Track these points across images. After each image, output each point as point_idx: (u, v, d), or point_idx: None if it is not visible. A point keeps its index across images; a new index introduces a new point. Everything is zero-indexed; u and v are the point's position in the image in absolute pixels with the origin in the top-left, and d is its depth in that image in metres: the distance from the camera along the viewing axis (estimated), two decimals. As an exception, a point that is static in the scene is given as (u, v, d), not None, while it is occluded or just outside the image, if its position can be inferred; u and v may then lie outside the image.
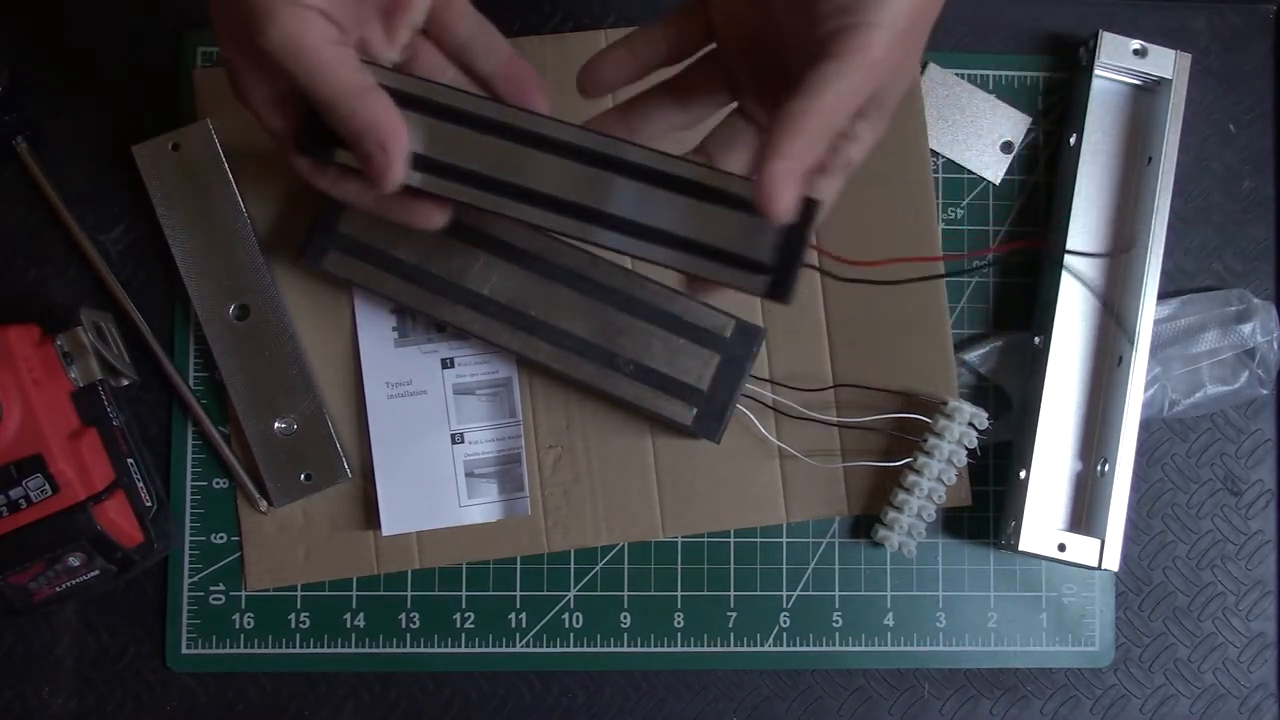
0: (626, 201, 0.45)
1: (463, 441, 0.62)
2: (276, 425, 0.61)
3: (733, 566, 0.63)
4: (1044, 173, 0.65)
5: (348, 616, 0.62)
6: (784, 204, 0.40)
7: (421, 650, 0.62)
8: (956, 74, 0.65)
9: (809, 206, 0.43)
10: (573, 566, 0.63)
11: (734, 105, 0.49)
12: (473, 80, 0.49)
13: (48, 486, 0.54)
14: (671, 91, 0.48)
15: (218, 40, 0.47)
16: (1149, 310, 0.61)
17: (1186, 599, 0.65)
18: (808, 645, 0.63)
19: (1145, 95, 0.64)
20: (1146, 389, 0.62)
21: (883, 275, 0.50)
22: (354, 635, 0.62)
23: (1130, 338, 0.60)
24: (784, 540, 0.63)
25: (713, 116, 0.50)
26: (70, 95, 0.63)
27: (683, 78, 0.48)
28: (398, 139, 0.44)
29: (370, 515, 0.62)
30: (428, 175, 0.46)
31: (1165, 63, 0.62)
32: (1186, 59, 0.62)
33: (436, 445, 0.62)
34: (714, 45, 0.47)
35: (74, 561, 0.55)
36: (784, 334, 0.63)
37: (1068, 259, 0.62)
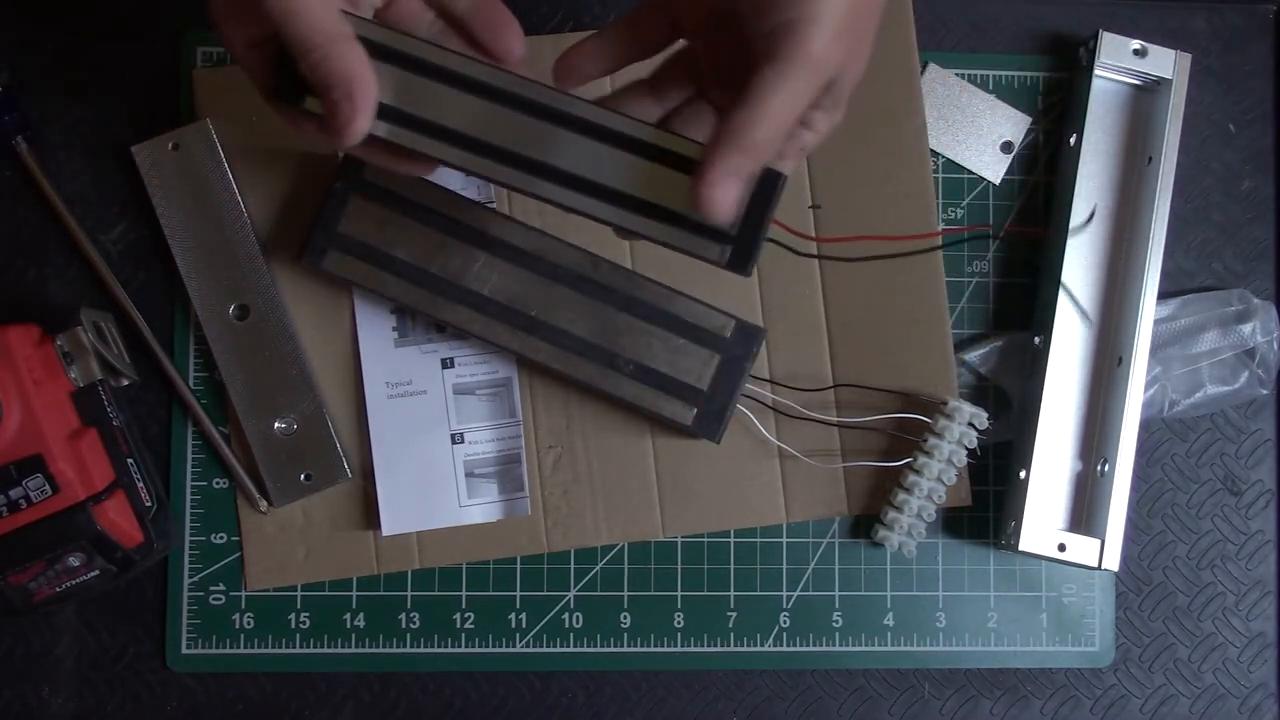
0: (590, 162, 0.45)
1: (463, 441, 0.62)
2: (276, 425, 0.61)
3: (733, 566, 0.63)
4: (1044, 173, 0.65)
5: (348, 616, 0.62)
6: (724, 209, 0.42)
7: (421, 650, 0.62)
8: (956, 74, 0.65)
9: (774, 179, 0.44)
10: (573, 566, 0.63)
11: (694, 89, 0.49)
12: (449, 24, 0.49)
13: (48, 486, 0.54)
14: (647, 85, 0.49)
15: None
16: (1149, 310, 0.61)
17: (1186, 599, 0.65)
18: (808, 645, 0.63)
19: (1145, 95, 0.64)
20: (1146, 389, 0.62)
21: (854, 251, 0.49)
22: (354, 635, 0.62)
23: (1129, 340, 0.61)
24: (784, 540, 0.63)
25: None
26: (70, 95, 0.63)
27: (656, 72, 0.49)
28: (366, 91, 0.43)
29: (370, 515, 0.62)
30: (396, 127, 0.46)
31: (1165, 63, 0.62)
32: (1186, 59, 0.62)
33: (436, 445, 0.62)
34: (683, 41, 0.48)
35: (74, 561, 0.55)
36: (784, 334, 0.63)
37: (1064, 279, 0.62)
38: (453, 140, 0.46)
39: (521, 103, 0.45)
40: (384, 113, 0.45)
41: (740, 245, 0.44)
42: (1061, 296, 0.61)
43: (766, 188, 0.44)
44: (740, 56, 0.44)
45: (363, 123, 0.44)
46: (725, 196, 0.42)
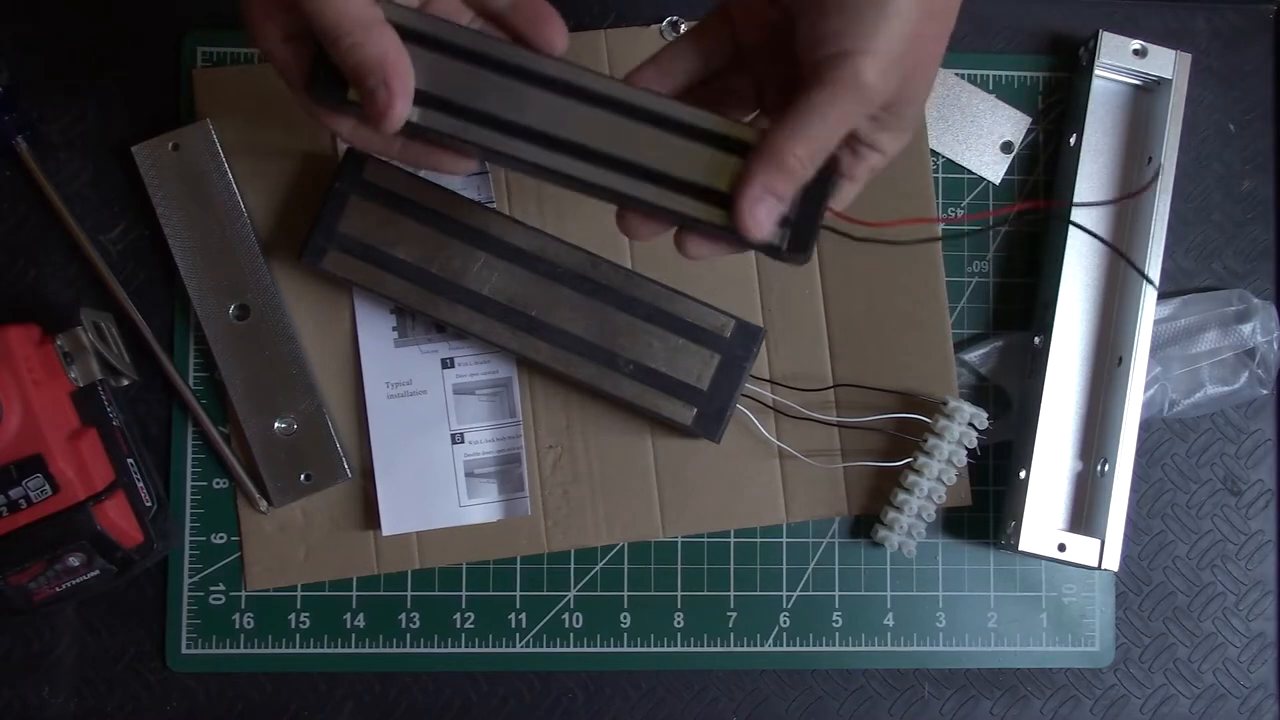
0: (639, 147, 0.44)
1: (463, 441, 0.62)
2: (276, 425, 0.61)
3: (733, 566, 0.63)
4: (1044, 173, 0.65)
5: (348, 616, 0.62)
6: (760, 229, 0.42)
7: (421, 650, 0.62)
8: (956, 74, 0.65)
9: (829, 166, 0.43)
10: (573, 566, 0.63)
11: (757, 111, 0.49)
12: (488, 20, 0.48)
13: (48, 486, 0.54)
14: (703, 103, 0.48)
15: None
16: (1149, 310, 0.61)
17: (1186, 599, 0.65)
18: (808, 645, 0.63)
19: (1145, 95, 0.64)
20: (1146, 389, 0.62)
21: (891, 235, 0.48)
22: (354, 635, 0.62)
23: (1129, 340, 0.61)
24: (784, 540, 0.63)
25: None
26: (70, 95, 0.63)
27: (713, 89, 0.48)
28: (401, 75, 0.43)
29: (370, 515, 0.62)
30: (436, 114, 0.45)
31: (1165, 63, 0.62)
32: (1186, 59, 0.62)
33: (436, 445, 0.62)
34: (739, 58, 0.47)
35: (74, 561, 0.55)
36: (784, 334, 0.63)
37: (1075, 216, 0.62)
38: (496, 126, 0.45)
39: (568, 88, 0.44)
40: (422, 99, 0.44)
41: (796, 232, 0.44)
42: (1063, 294, 0.61)
43: (822, 176, 0.43)
44: (796, 76, 0.43)
45: (401, 108, 0.43)
46: (764, 214, 0.42)
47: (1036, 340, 0.63)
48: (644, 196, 0.44)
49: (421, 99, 0.45)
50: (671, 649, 0.63)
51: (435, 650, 0.62)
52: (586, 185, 0.45)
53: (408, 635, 0.62)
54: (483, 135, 0.45)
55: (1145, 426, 0.64)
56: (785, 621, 0.63)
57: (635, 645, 0.63)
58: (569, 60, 0.45)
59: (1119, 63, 0.62)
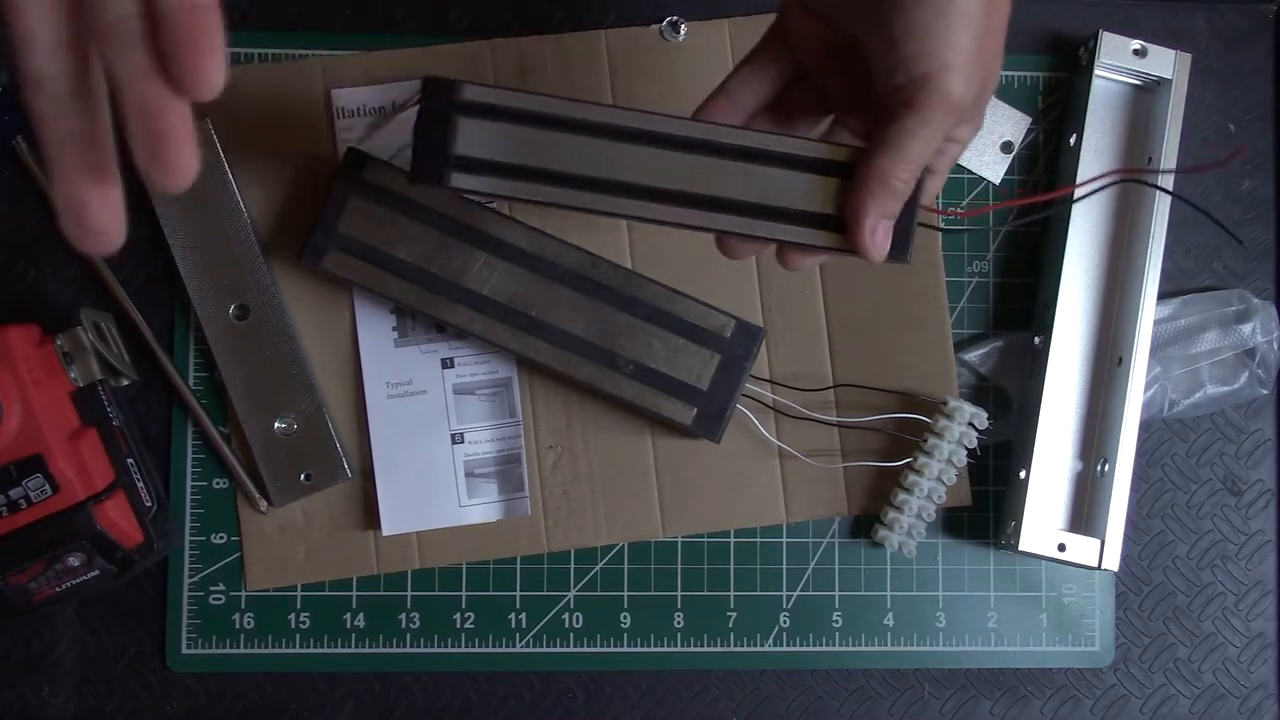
0: (740, 185, 0.45)
1: (463, 441, 0.62)
2: (276, 425, 0.61)
3: (733, 566, 0.63)
4: (1044, 173, 0.65)
5: (348, 616, 0.62)
6: (882, 251, 0.44)
7: (421, 650, 0.62)
8: (956, 74, 0.65)
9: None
10: (573, 566, 0.63)
11: (831, 118, 0.49)
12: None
13: (48, 486, 0.54)
14: (771, 116, 0.48)
15: None
16: (1149, 310, 0.61)
17: (1186, 599, 0.65)
18: (808, 645, 0.63)
19: (1145, 95, 0.64)
20: (1146, 389, 0.62)
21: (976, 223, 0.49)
22: (354, 635, 0.62)
23: (1129, 340, 0.61)
24: (784, 540, 0.63)
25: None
26: (70, 95, 0.63)
27: (780, 101, 0.48)
28: None
29: (370, 515, 0.62)
30: (533, 185, 0.44)
31: (1165, 63, 0.62)
32: (1186, 59, 0.62)
33: (436, 445, 0.62)
34: (801, 75, 0.48)
35: (74, 561, 0.55)
36: (784, 334, 0.63)
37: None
38: (596, 188, 0.44)
39: (650, 137, 0.44)
40: (517, 172, 0.44)
41: (897, 236, 0.44)
42: (1063, 294, 0.61)
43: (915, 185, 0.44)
44: (867, 86, 0.44)
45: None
46: (882, 237, 0.43)
47: (1036, 340, 0.63)
48: (756, 233, 0.45)
49: (516, 172, 0.44)
50: (671, 649, 0.63)
51: (435, 650, 0.62)
52: (696, 229, 0.45)
53: (408, 635, 0.62)
54: (586, 199, 0.44)
55: (1145, 426, 0.64)
56: (785, 621, 0.63)
57: (635, 645, 0.63)
58: (641, 109, 0.45)
59: (1119, 63, 0.62)
